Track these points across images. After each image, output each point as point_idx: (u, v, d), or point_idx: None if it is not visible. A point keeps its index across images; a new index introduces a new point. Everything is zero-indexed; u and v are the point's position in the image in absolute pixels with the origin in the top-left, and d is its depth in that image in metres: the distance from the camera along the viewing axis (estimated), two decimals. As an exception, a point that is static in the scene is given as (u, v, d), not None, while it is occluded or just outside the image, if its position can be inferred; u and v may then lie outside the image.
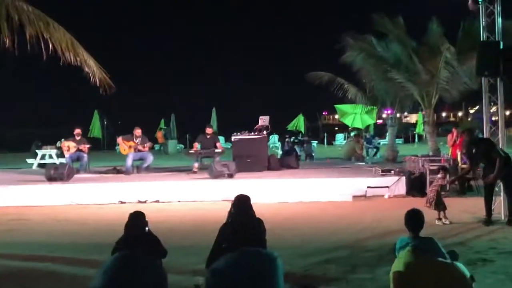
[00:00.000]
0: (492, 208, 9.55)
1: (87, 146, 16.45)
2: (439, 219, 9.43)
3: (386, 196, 12.75)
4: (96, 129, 33.62)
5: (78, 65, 10.15)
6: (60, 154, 18.99)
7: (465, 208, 10.69)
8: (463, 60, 17.71)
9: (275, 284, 5.15)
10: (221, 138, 23.22)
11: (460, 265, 4.70)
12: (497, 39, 10.17)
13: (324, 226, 9.55)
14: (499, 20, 10.19)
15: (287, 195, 12.48)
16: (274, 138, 31.21)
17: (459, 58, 17.79)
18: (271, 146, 27.61)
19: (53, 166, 14.83)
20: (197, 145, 16.27)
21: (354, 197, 12.51)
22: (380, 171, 13.98)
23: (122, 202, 12.49)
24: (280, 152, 24.34)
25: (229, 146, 24.40)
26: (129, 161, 15.81)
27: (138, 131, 16.17)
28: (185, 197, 12.70)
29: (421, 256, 4.49)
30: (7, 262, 7.29)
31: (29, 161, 20.86)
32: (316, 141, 31.02)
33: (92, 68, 10.39)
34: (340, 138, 39.26)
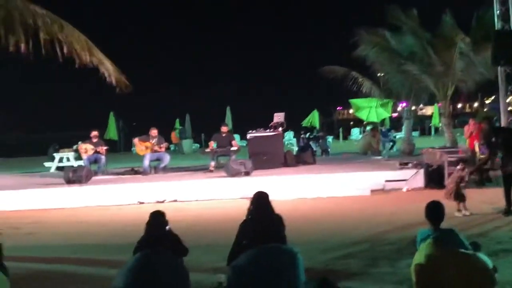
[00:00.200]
0: (512, 198, 9.47)
1: (105, 148, 16.54)
2: (459, 210, 9.38)
3: (404, 189, 12.69)
4: (112, 131, 33.73)
5: (93, 67, 10.17)
6: (78, 157, 19.13)
7: (485, 199, 10.62)
8: (478, 50, 17.56)
9: (296, 280, 5.17)
10: (236, 136, 23.20)
11: (482, 256, 4.68)
12: (512, 27, 10.07)
13: (343, 220, 9.55)
14: (513, 8, 10.10)
15: (305, 191, 12.48)
16: (289, 134, 31.17)
17: (474, 48, 17.63)
18: (286, 142, 27.57)
19: (71, 168, 14.93)
20: (212, 144, 16.29)
21: (372, 191, 12.48)
22: (397, 164, 13.91)
23: (141, 203, 12.56)
24: (295, 148, 24.31)
25: (245, 144, 24.43)
26: (146, 162, 15.88)
27: (154, 132, 16.23)
28: (203, 196, 12.75)
29: (443, 247, 4.47)
30: (29, 265, 7.36)
31: (47, 164, 21.01)
32: (332, 137, 30.95)
33: (108, 68, 10.40)
34: (355, 132, 39.06)
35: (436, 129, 39.23)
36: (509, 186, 9.44)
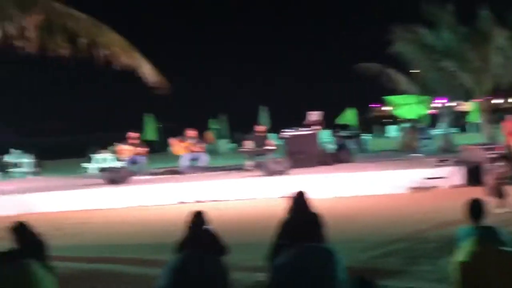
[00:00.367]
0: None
1: (143, 149, 16.79)
2: (500, 207, 9.26)
3: (443, 187, 12.56)
4: (149, 132, 34.15)
5: (132, 68, 10.29)
6: (117, 158, 19.46)
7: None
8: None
9: (336, 279, 5.19)
10: (273, 136, 23.24)
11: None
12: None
13: (382, 218, 9.52)
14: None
15: (342, 189, 12.48)
16: (325, 133, 31.04)
17: (512, 43, 17.36)
18: (322, 141, 27.47)
19: (111, 169, 15.21)
20: (249, 144, 16.41)
21: (411, 189, 12.40)
22: (436, 161, 13.78)
23: (181, 202, 12.73)
24: (332, 147, 24.24)
25: (281, 143, 24.44)
26: (184, 162, 16.07)
27: (191, 132, 16.42)
28: (241, 195, 12.86)
29: (486, 245, 4.44)
30: (75, 265, 7.54)
31: (86, 166, 21.44)
32: (368, 134, 30.72)
33: (147, 69, 10.52)
34: (392, 130, 38.69)
35: (474, 126, 38.57)
36: None
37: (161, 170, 17.63)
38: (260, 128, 16.56)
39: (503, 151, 12.37)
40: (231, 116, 39.90)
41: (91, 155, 21.10)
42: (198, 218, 5.64)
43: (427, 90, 20.96)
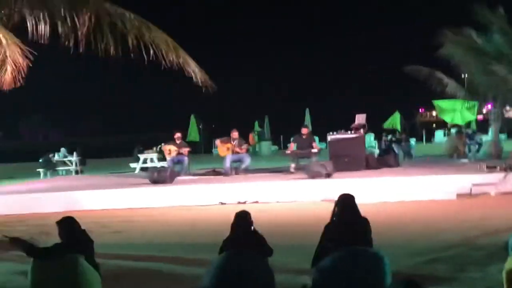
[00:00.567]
0: None
1: (187, 149, 16.91)
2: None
3: (492, 193, 12.24)
4: (193, 133, 34.46)
5: (179, 68, 10.33)
6: (162, 158, 19.65)
7: None
8: None
9: (383, 283, 5.09)
10: (316, 138, 23.08)
11: None
12: None
13: (429, 224, 9.31)
14: None
15: (388, 194, 12.26)
16: (370, 136, 30.68)
17: None
18: (367, 145, 27.18)
19: (156, 169, 15.37)
20: (293, 146, 16.34)
21: (458, 195, 12.09)
22: (485, 167, 13.44)
23: (222, 203, 12.74)
24: (376, 151, 23.94)
25: (324, 146, 24.27)
26: (227, 163, 16.10)
27: (235, 134, 16.45)
28: (284, 197, 12.78)
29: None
30: (120, 262, 7.60)
31: (132, 165, 21.72)
32: (414, 139, 30.22)
33: (194, 68, 10.55)
34: (439, 135, 38.03)
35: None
36: None
37: (204, 171, 17.71)
38: (305, 130, 16.43)
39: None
40: (275, 119, 39.91)
41: (138, 155, 21.37)
42: (243, 218, 5.60)
43: (476, 94, 20.51)
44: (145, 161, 20.92)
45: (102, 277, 5.59)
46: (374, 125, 28.29)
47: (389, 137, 24.87)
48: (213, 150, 32.69)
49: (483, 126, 31.82)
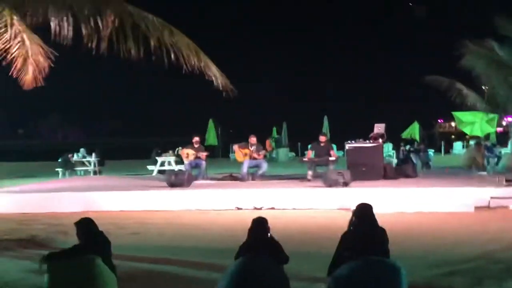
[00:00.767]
0: None
1: (205, 153, 16.94)
2: None
3: (511, 207, 12.09)
4: (211, 137, 34.58)
5: (200, 72, 10.32)
6: (179, 161, 19.71)
7: None
8: None
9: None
10: (334, 146, 23.02)
11: None
12: None
13: (446, 237, 9.22)
14: None
15: (405, 204, 12.17)
16: (388, 146, 30.53)
17: None
18: (385, 154, 27.04)
19: (173, 172, 15.41)
20: (310, 153, 16.30)
21: (476, 208, 11.97)
22: (504, 181, 13.30)
23: (238, 208, 12.75)
24: (394, 160, 23.81)
25: (342, 154, 24.17)
26: (244, 168, 16.11)
27: (253, 139, 16.46)
28: (300, 204, 12.74)
29: None
30: (135, 264, 7.63)
31: (150, 167, 21.82)
32: (433, 150, 30.02)
33: (215, 72, 10.54)
34: (458, 146, 37.74)
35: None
36: None
37: (221, 176, 17.74)
38: (323, 138, 16.38)
39: None
40: (293, 125, 39.88)
41: (156, 157, 21.46)
42: (260, 224, 5.59)
43: (497, 107, 20.33)
44: (162, 164, 21.00)
45: (118, 278, 5.62)
46: (393, 135, 28.15)
47: (408, 147, 24.74)
48: (231, 154, 32.72)
49: (502, 139, 31.58)
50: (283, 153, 34.41)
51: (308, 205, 12.70)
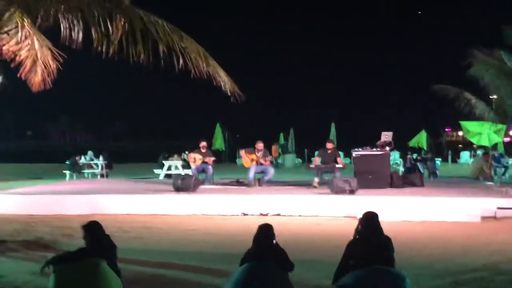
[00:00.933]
0: None
1: (212, 158, 16.95)
2: None
3: (517, 218, 12.04)
4: (218, 142, 34.64)
5: (208, 77, 10.33)
6: (185, 165, 19.75)
7: None
8: None
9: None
10: (341, 153, 23.02)
11: None
12: None
13: (452, 246, 9.19)
14: None
15: (411, 213, 12.14)
16: (395, 154, 30.47)
17: None
18: (392, 162, 26.99)
19: (180, 177, 15.42)
20: (317, 160, 16.28)
21: (483, 218, 11.92)
22: (511, 191, 13.24)
23: (244, 214, 12.76)
24: (401, 169, 23.76)
25: (348, 162, 24.15)
26: (251, 174, 16.10)
27: (260, 145, 16.46)
28: (306, 211, 12.73)
29: None
30: (139, 268, 7.65)
31: (157, 171, 21.88)
32: (440, 159, 29.95)
33: (224, 78, 10.56)
34: (465, 156, 37.61)
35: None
36: None
37: (227, 181, 17.75)
38: (330, 145, 16.36)
39: None
40: (300, 132, 39.87)
41: (163, 161, 21.52)
42: (266, 231, 5.60)
43: (505, 117, 20.29)
44: (169, 168, 21.05)
45: (123, 282, 5.63)
46: (400, 143, 28.09)
47: (415, 155, 24.68)
48: (237, 159, 32.77)
49: (510, 149, 31.47)
50: (290, 159, 34.42)
51: (314, 212, 12.69)
